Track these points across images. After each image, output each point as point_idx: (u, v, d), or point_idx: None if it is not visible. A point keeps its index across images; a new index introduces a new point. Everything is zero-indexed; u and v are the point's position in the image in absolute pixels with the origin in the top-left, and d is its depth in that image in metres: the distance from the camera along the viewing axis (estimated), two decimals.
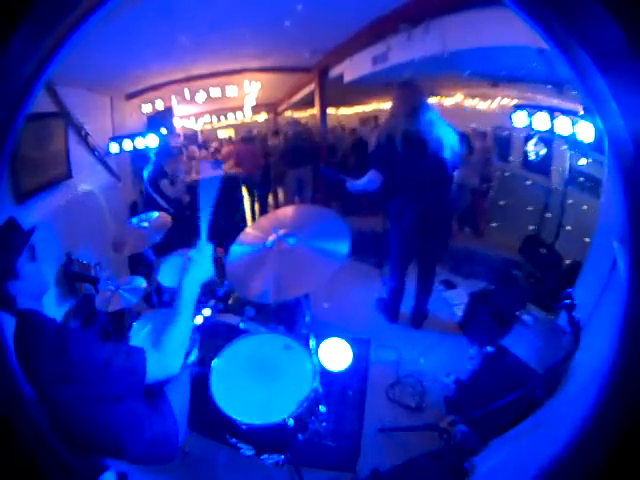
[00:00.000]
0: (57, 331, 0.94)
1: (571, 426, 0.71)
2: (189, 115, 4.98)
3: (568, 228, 2.98)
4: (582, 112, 2.29)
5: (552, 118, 2.50)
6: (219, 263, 2.43)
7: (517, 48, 2.36)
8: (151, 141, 3.37)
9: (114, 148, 3.35)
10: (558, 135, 2.50)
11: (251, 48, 3.55)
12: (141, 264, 2.58)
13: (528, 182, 3.46)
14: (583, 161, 2.83)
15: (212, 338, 1.89)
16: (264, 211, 4.71)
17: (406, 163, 2.18)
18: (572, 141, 2.50)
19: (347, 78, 4.16)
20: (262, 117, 5.32)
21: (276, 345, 1.64)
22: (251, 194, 4.81)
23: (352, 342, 2.11)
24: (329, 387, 1.97)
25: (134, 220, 2.36)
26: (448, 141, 2.14)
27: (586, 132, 2.25)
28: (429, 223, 2.30)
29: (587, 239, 2.19)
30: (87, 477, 0.94)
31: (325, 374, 1.82)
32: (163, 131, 3.60)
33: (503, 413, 1.59)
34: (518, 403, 1.54)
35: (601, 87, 0.63)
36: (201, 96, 4.45)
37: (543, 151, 2.98)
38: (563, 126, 2.41)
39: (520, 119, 2.73)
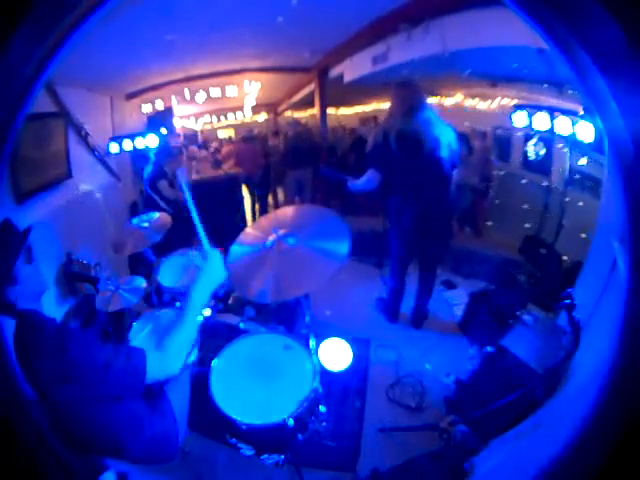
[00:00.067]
0: (57, 331, 0.94)
1: (571, 426, 0.71)
2: (189, 115, 4.98)
3: (568, 228, 2.98)
4: (582, 112, 2.29)
5: (552, 118, 2.50)
6: None
7: (517, 48, 2.36)
8: (151, 141, 3.37)
9: (114, 148, 3.35)
10: (558, 135, 2.50)
11: (251, 48, 3.55)
12: (141, 264, 2.58)
13: (527, 182, 3.46)
14: (583, 161, 2.83)
15: (212, 338, 1.89)
16: (264, 211, 4.71)
17: (402, 162, 2.19)
18: (572, 141, 2.50)
19: (347, 78, 4.16)
20: (262, 117, 5.32)
21: (276, 345, 1.64)
22: (251, 194, 4.81)
23: (352, 342, 2.11)
24: (329, 387, 1.97)
25: (134, 220, 2.36)
26: (446, 140, 2.14)
27: (586, 132, 2.25)
28: (429, 223, 2.30)
29: (587, 239, 2.19)
30: (87, 477, 0.94)
31: (325, 374, 1.82)
32: (163, 131, 3.60)
33: (503, 413, 1.59)
34: (518, 403, 1.54)
35: (601, 87, 0.63)
36: (201, 96, 4.45)
37: (543, 151, 2.98)
38: (563, 126, 2.41)
39: (520, 119, 2.73)
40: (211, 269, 1.16)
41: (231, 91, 4.48)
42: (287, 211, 1.78)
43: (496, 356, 2.04)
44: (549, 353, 1.89)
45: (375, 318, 2.78)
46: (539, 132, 2.72)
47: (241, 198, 4.76)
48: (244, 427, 1.35)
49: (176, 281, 2.27)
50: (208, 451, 1.81)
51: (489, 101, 3.61)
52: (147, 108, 4.29)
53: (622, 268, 0.89)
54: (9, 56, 0.67)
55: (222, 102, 4.63)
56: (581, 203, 2.86)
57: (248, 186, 4.79)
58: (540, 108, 2.60)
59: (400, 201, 2.36)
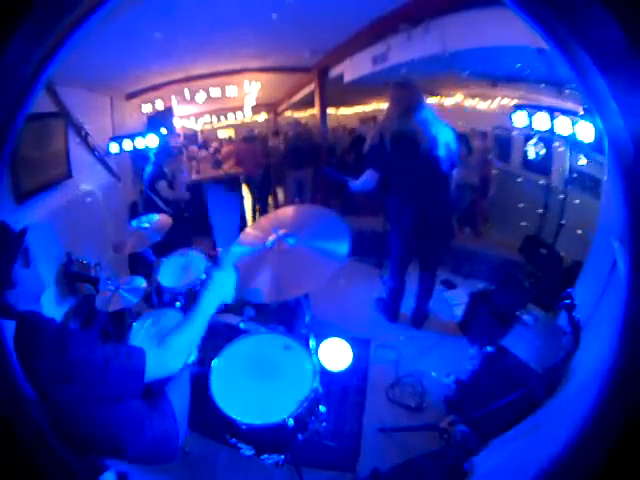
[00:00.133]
0: (57, 331, 0.94)
1: (571, 426, 0.71)
2: (189, 115, 4.98)
3: (568, 228, 2.98)
4: (582, 112, 2.29)
5: (552, 118, 2.50)
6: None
7: (517, 48, 2.36)
8: (151, 141, 3.37)
9: (114, 148, 3.35)
10: (558, 135, 2.50)
11: (251, 48, 3.55)
12: (141, 264, 2.58)
13: (527, 182, 3.46)
14: (583, 161, 2.83)
15: (212, 338, 1.88)
16: (264, 211, 4.71)
17: (398, 162, 2.19)
18: (572, 141, 2.50)
19: (347, 78, 4.16)
20: (262, 117, 5.32)
21: (276, 345, 1.64)
22: (252, 194, 4.82)
23: (352, 342, 2.11)
24: (329, 387, 1.97)
25: (134, 223, 2.36)
26: (443, 139, 2.14)
27: (586, 132, 2.25)
28: (428, 222, 2.31)
29: (587, 239, 2.19)
30: (87, 477, 0.94)
31: (325, 374, 1.82)
32: (163, 131, 3.60)
33: (503, 413, 1.59)
34: (518, 403, 1.54)
35: (601, 87, 0.63)
36: (201, 96, 4.45)
37: (543, 151, 2.98)
38: (563, 126, 2.41)
39: (520, 119, 2.73)
40: (224, 283, 1.18)
41: (231, 91, 4.48)
42: (287, 211, 1.77)
43: (496, 356, 2.04)
44: (549, 353, 1.89)
45: (375, 318, 2.78)
46: (539, 132, 2.72)
47: (241, 198, 4.76)
48: (244, 427, 1.35)
49: (176, 281, 2.27)
50: (208, 451, 1.81)
51: (489, 101, 3.61)
52: (147, 108, 4.29)
53: (622, 268, 0.89)
54: (9, 56, 0.67)
55: (222, 102, 4.63)
56: (581, 203, 2.86)
57: (249, 186, 4.80)
58: (540, 108, 2.60)
59: (399, 201, 2.36)
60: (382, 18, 3.03)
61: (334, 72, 4.35)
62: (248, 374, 1.52)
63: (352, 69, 4.07)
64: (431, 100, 3.99)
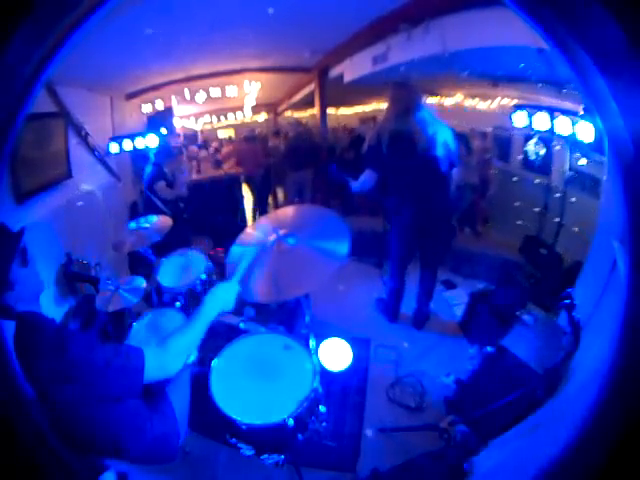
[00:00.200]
0: (57, 331, 0.94)
1: (571, 426, 0.71)
2: (189, 115, 4.99)
3: (568, 228, 2.98)
4: (582, 112, 2.29)
5: (552, 118, 2.50)
6: (219, 263, 2.44)
7: (517, 48, 2.36)
8: (151, 141, 3.37)
9: (114, 148, 3.35)
10: (558, 135, 2.50)
11: (251, 48, 3.56)
12: (141, 264, 2.58)
13: (527, 182, 3.46)
14: (583, 161, 2.83)
15: (212, 338, 1.88)
16: (264, 211, 4.71)
17: (396, 162, 2.20)
18: (572, 141, 2.49)
19: (347, 78, 4.17)
20: (262, 117, 5.33)
21: (276, 345, 1.64)
22: (252, 194, 4.82)
23: (352, 342, 2.11)
24: (329, 387, 1.97)
25: (132, 224, 2.35)
26: (441, 139, 2.14)
27: (586, 132, 2.25)
28: (427, 222, 2.31)
29: (587, 239, 2.19)
30: (87, 477, 0.94)
31: (325, 374, 1.82)
32: (163, 131, 3.60)
33: (503, 413, 1.59)
34: (518, 403, 1.54)
35: (601, 87, 0.63)
36: (201, 96, 4.45)
37: (543, 151, 2.98)
38: (563, 126, 2.41)
39: (520, 119, 2.73)
40: (227, 294, 1.22)
41: (231, 91, 4.48)
42: (287, 211, 1.77)
43: (496, 356, 2.04)
44: (549, 353, 1.89)
45: (375, 318, 2.78)
46: (539, 132, 2.72)
47: (241, 198, 4.77)
48: (244, 427, 1.35)
49: (176, 281, 2.27)
50: (208, 451, 1.81)
51: (489, 101, 3.61)
52: (147, 108, 4.29)
53: (622, 268, 0.89)
54: (9, 56, 0.67)
55: (222, 102, 4.64)
56: (581, 203, 2.86)
57: (249, 186, 4.80)
58: (540, 108, 2.60)
59: (397, 200, 2.37)
60: (382, 18, 3.03)
61: (334, 72, 4.35)
62: (248, 374, 1.52)
63: (352, 69, 4.08)
64: (431, 100, 3.99)
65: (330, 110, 5.00)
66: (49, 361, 0.89)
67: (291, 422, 1.36)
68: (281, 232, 1.52)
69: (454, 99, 3.96)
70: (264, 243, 1.52)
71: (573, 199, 2.98)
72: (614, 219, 1.61)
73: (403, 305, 2.69)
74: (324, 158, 4.56)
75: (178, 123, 4.86)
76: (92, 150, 3.32)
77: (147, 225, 2.31)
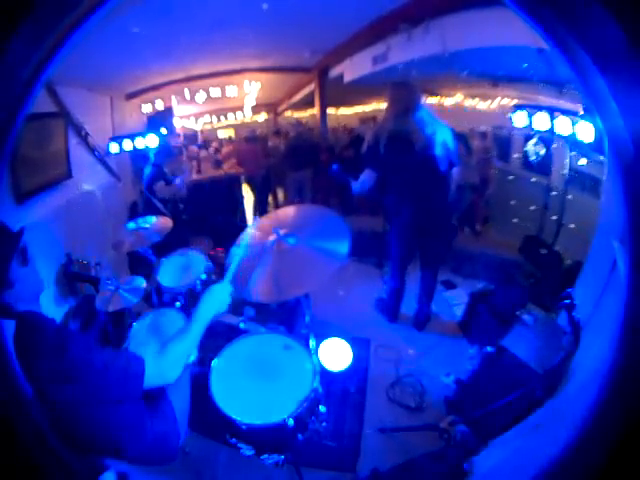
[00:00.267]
0: (57, 331, 0.94)
1: (571, 426, 0.71)
2: (189, 115, 4.99)
3: (568, 227, 2.98)
4: (582, 112, 2.29)
5: (552, 118, 2.50)
6: (219, 263, 2.44)
7: (517, 48, 2.36)
8: (151, 141, 3.37)
9: (114, 148, 3.35)
10: (558, 135, 2.50)
11: (251, 48, 3.56)
12: (141, 264, 2.58)
13: (527, 182, 3.46)
14: (583, 161, 2.83)
15: (212, 338, 1.89)
16: (264, 211, 4.71)
17: (394, 161, 2.20)
18: (572, 141, 2.49)
19: (347, 78, 4.17)
20: (262, 117, 5.33)
21: (276, 345, 1.64)
22: (252, 194, 4.82)
23: (352, 342, 2.11)
24: (329, 387, 1.97)
25: (131, 225, 2.35)
26: (440, 138, 2.14)
27: (586, 132, 2.25)
28: (426, 221, 2.31)
29: (587, 239, 2.19)
30: (87, 477, 0.94)
31: (325, 374, 1.82)
32: (163, 131, 3.60)
33: (503, 413, 1.59)
34: (518, 403, 1.54)
35: (601, 87, 0.63)
36: (201, 96, 4.45)
37: (543, 151, 2.98)
38: (563, 126, 2.41)
39: (520, 119, 2.73)
40: (219, 296, 1.22)
41: (231, 91, 4.48)
42: (288, 211, 1.77)
43: (496, 356, 2.04)
44: (549, 353, 1.89)
45: (375, 318, 2.78)
46: (539, 132, 2.72)
47: (241, 198, 4.77)
48: (244, 427, 1.35)
49: (176, 281, 2.27)
50: (208, 451, 1.81)
51: (489, 101, 3.61)
52: (147, 108, 4.29)
53: (622, 268, 0.89)
54: (9, 56, 0.67)
55: (222, 102, 4.64)
56: (581, 203, 2.86)
57: (249, 185, 4.80)
58: (540, 108, 2.60)
59: (396, 200, 2.37)
60: (382, 18, 3.03)
61: (334, 72, 4.35)
62: (248, 374, 1.52)
63: (352, 69, 4.08)
64: (431, 100, 4.00)
65: (330, 110, 5.00)
66: (49, 361, 0.89)
67: (291, 422, 1.36)
68: (281, 232, 1.52)
69: (454, 99, 3.96)
70: (264, 243, 1.52)
71: (573, 199, 2.98)
72: (614, 219, 1.61)
73: (403, 305, 2.69)
74: (324, 158, 4.56)
75: (178, 123, 4.86)
76: (92, 150, 3.32)
77: (146, 225, 2.31)
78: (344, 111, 5.39)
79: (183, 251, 2.50)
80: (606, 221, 1.97)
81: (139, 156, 3.54)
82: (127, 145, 3.37)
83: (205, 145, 5.33)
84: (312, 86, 4.76)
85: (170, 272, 2.34)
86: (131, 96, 4.07)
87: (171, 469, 1.34)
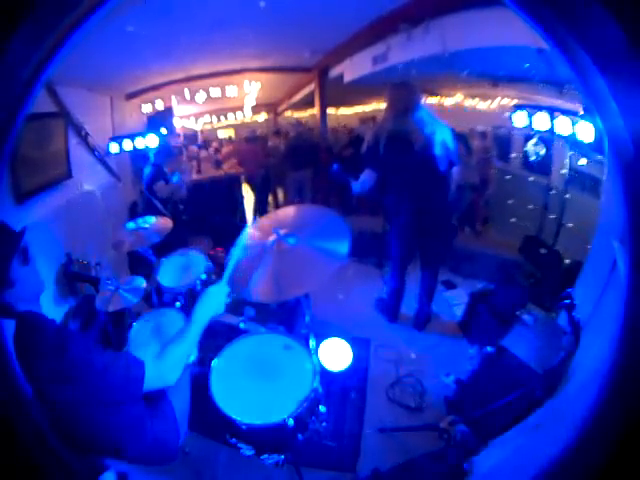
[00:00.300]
0: (57, 331, 0.94)
1: (571, 426, 0.71)
2: (189, 115, 4.99)
3: (568, 227, 2.98)
4: (582, 112, 2.29)
5: (552, 118, 2.50)
6: (219, 263, 2.44)
7: (517, 48, 2.36)
8: (151, 141, 3.37)
9: (114, 148, 3.35)
10: (558, 135, 2.50)
11: (251, 48, 3.56)
12: (141, 264, 2.58)
13: (527, 182, 3.46)
14: (583, 161, 2.83)
15: (212, 338, 1.89)
16: (264, 211, 4.71)
17: (393, 161, 2.21)
18: (572, 141, 2.49)
19: (347, 78, 4.17)
20: (262, 117, 5.32)
21: (276, 345, 1.64)
22: (252, 194, 4.82)
23: (352, 342, 2.11)
24: (329, 387, 1.97)
25: (131, 225, 2.35)
26: (439, 138, 2.15)
27: (586, 132, 2.25)
28: (426, 220, 2.31)
29: (587, 239, 2.19)
30: (87, 477, 0.94)
31: (325, 374, 1.82)
32: (163, 131, 3.60)
33: (503, 413, 1.59)
34: (518, 403, 1.54)
35: (601, 87, 0.63)
36: (201, 96, 4.45)
37: (543, 151, 2.98)
38: (563, 126, 2.41)
39: (520, 119, 2.73)
40: (216, 298, 1.21)
41: (231, 91, 4.48)
42: (288, 211, 1.77)
43: (496, 356, 2.04)
44: (549, 353, 1.88)
45: (375, 318, 2.78)
46: (539, 132, 2.72)
47: (241, 198, 4.77)
48: (244, 427, 1.35)
49: (176, 281, 2.27)
50: (208, 451, 1.81)
51: (489, 101, 3.61)
52: (147, 108, 4.29)
53: (622, 268, 0.89)
54: (9, 56, 0.67)
55: (222, 102, 4.63)
56: (581, 202, 2.86)
57: (250, 185, 4.80)
58: (540, 108, 2.60)
59: (396, 199, 2.37)
60: (382, 18, 3.03)
61: (334, 72, 4.35)
62: (248, 374, 1.52)
63: (352, 69, 4.08)
64: (431, 100, 4.00)
65: (330, 110, 5.00)
66: (49, 361, 0.89)
67: (291, 422, 1.36)
68: (281, 232, 1.52)
69: (454, 99, 3.96)
70: (264, 243, 1.52)
71: (573, 199, 2.98)
72: (614, 219, 1.61)
73: (403, 305, 2.69)
74: (324, 158, 4.56)
75: (178, 123, 4.85)
76: (92, 150, 3.32)
77: (146, 225, 2.31)
78: (344, 111, 5.39)
79: (183, 251, 2.50)
80: (606, 221, 1.96)
81: (139, 156, 3.54)
82: (127, 145, 3.37)
83: (205, 145, 5.33)
84: (312, 86, 4.76)
85: (170, 272, 2.34)
86: (131, 96, 4.07)
87: (171, 469, 1.34)
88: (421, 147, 2.13)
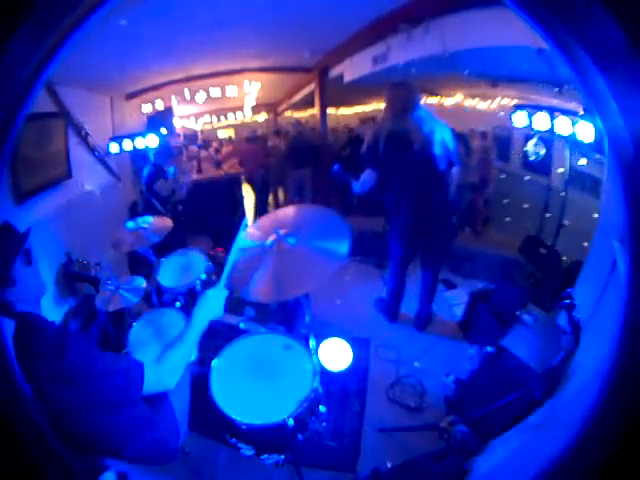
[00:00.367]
0: (56, 332, 0.94)
1: (571, 426, 0.71)
2: (189, 115, 4.98)
3: (568, 227, 2.98)
4: (582, 112, 2.29)
5: (552, 118, 2.50)
6: (219, 263, 2.44)
7: (517, 48, 2.36)
8: (151, 141, 3.37)
9: (114, 148, 3.35)
10: (558, 135, 2.50)
11: (251, 48, 3.55)
12: (141, 264, 2.58)
13: (527, 182, 3.46)
14: (583, 161, 2.83)
15: (212, 338, 1.89)
16: (264, 211, 4.71)
17: (393, 161, 2.21)
18: (572, 141, 2.49)
19: (347, 78, 4.16)
20: (262, 117, 5.32)
21: (276, 345, 1.64)
22: (252, 194, 4.82)
23: (352, 342, 2.11)
24: (329, 387, 1.97)
25: (130, 224, 2.35)
26: (439, 137, 2.15)
27: (586, 132, 2.25)
28: (426, 220, 2.31)
29: (587, 239, 2.19)
30: (87, 477, 0.94)
31: (325, 374, 1.82)
32: (163, 131, 3.60)
33: (503, 413, 1.59)
34: (518, 403, 1.54)
35: (601, 87, 0.63)
36: (201, 96, 4.45)
37: (543, 151, 2.98)
38: (563, 126, 2.41)
39: (520, 119, 2.73)
40: (215, 301, 1.21)
41: (231, 91, 4.48)
42: (288, 211, 1.77)
43: (496, 356, 2.04)
44: (549, 353, 1.89)
45: (375, 318, 2.78)
46: (539, 132, 2.72)
47: (241, 198, 4.77)
48: (244, 427, 1.35)
49: (176, 281, 2.27)
50: (208, 451, 1.81)
51: (489, 101, 3.61)
52: (147, 108, 4.29)
53: (622, 268, 0.89)
54: (9, 56, 0.67)
55: (222, 102, 4.63)
56: (581, 202, 2.86)
57: (250, 185, 4.80)
58: (540, 108, 2.60)
59: (395, 199, 2.38)
60: (382, 18, 3.03)
61: (334, 72, 4.35)
62: (248, 374, 1.52)
63: (352, 69, 4.07)
64: (431, 100, 3.99)
65: (330, 110, 4.99)
66: (48, 362, 0.89)
67: (291, 422, 1.36)
68: (281, 232, 1.52)
69: (454, 99, 3.96)
70: (264, 243, 1.52)
71: (573, 199, 2.98)
72: (614, 219, 1.61)
73: (403, 305, 2.69)
74: (324, 158, 4.56)
75: (178, 123, 4.85)
76: (92, 150, 3.32)
77: (146, 225, 2.31)
78: (344, 111, 5.38)
79: (183, 251, 2.50)
80: (606, 221, 1.96)
81: (139, 156, 3.54)
82: (127, 145, 3.37)
83: (205, 145, 5.32)
84: (312, 86, 4.76)
85: (170, 272, 2.34)
86: (131, 96, 4.06)
87: (171, 469, 1.34)
88: (420, 146, 2.13)
